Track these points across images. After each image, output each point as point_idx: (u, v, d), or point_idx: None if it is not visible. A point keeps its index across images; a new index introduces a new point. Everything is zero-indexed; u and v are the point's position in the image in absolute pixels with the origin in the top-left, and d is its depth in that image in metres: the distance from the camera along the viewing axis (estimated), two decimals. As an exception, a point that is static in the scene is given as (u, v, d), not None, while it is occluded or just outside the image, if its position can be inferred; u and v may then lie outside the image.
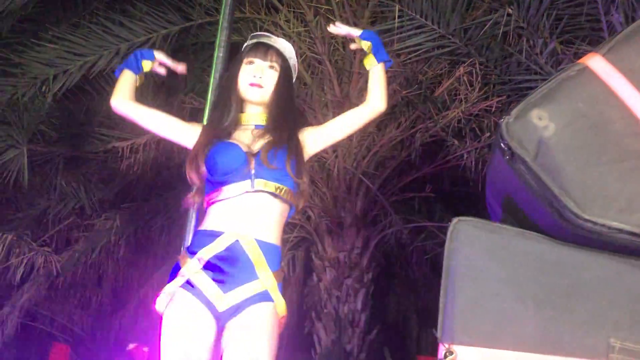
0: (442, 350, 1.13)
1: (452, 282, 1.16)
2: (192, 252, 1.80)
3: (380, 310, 6.47)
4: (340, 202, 5.09)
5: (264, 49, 1.96)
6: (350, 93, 4.95)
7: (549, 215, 1.07)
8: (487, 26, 4.21)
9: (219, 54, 2.27)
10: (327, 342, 5.01)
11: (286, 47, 2.00)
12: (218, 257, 1.77)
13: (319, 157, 5.01)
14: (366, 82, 5.09)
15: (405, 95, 4.84)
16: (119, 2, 5.24)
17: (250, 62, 1.94)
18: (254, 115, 1.94)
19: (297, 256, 6.21)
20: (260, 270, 1.78)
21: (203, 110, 2.27)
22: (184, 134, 1.93)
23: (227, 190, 1.81)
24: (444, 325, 1.14)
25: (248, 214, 1.81)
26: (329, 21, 4.81)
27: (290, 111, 1.97)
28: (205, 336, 1.72)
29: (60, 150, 5.70)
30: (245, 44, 2.02)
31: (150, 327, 6.69)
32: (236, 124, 1.93)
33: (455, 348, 1.12)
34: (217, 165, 1.82)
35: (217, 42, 2.27)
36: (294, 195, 1.85)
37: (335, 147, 5.00)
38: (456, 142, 4.85)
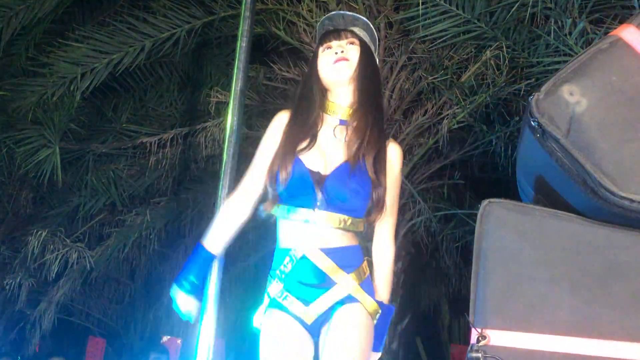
0: (474, 334, 1.11)
1: (483, 265, 1.13)
2: (272, 271, 1.82)
3: (411, 300, 6.43)
4: (368, 192, 5.05)
5: (336, 32, 1.87)
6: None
7: (583, 194, 1.03)
8: (514, 9, 4.12)
9: (241, 44, 2.26)
10: (358, 332, 5.00)
11: (361, 25, 1.88)
12: (292, 273, 1.77)
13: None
14: (390, 70, 4.99)
15: (431, 81, 4.77)
16: (142, -2, 5.30)
17: (329, 47, 1.85)
18: (340, 105, 1.83)
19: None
20: (335, 277, 1.75)
21: (227, 103, 2.26)
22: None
23: (293, 212, 1.77)
24: (476, 309, 1.12)
25: (314, 232, 1.76)
26: (352, 10, 4.79)
27: (375, 93, 1.86)
28: (302, 348, 1.73)
29: (90, 147, 5.79)
30: (318, 33, 1.93)
31: (182, 319, 6.80)
32: (321, 119, 1.83)
33: (488, 332, 1.09)
34: (285, 188, 1.76)
35: (240, 32, 2.26)
36: (360, 222, 1.78)
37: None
38: (484, 127, 4.77)
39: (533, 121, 1.02)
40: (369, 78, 1.83)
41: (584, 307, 1.06)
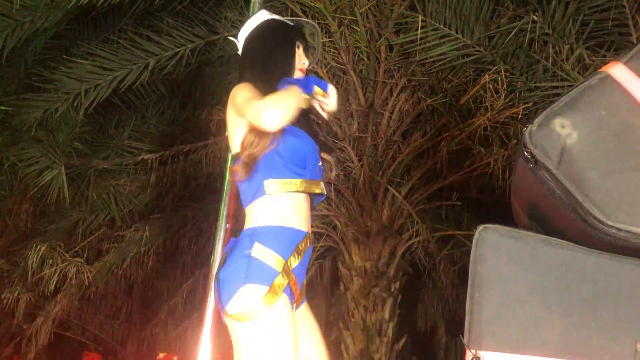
0: (469, 356, 1.15)
1: (478, 288, 1.17)
2: (283, 252, 1.70)
3: (408, 320, 6.45)
4: (367, 211, 5.10)
5: (304, 37, 2.04)
6: (375, 102, 4.98)
7: (574, 222, 1.08)
8: (512, 34, 4.20)
9: (246, 66, 2.31)
10: (354, 352, 5.01)
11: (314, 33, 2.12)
12: (303, 257, 1.78)
13: (344, 167, 5.04)
14: (390, 91, 5.05)
15: (430, 103, 4.84)
16: (147, 17, 5.38)
17: (298, 47, 2.00)
18: None
19: (324, 265, 6.24)
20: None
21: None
22: None
23: (307, 185, 1.79)
24: (471, 331, 1.15)
25: (310, 211, 1.85)
26: (353, 32, 4.87)
27: None
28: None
29: (92, 163, 5.83)
30: (276, 17, 2.05)
31: (179, 336, 6.79)
32: None
33: (482, 354, 1.13)
34: (306, 157, 1.81)
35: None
36: None
37: (360, 157, 5.03)
38: (482, 149, 4.83)
39: (526, 152, 1.07)
40: None
41: (575, 331, 1.10)
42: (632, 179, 1.03)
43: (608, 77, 1.07)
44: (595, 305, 1.10)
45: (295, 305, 1.76)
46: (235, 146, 1.82)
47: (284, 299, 1.64)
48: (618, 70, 1.07)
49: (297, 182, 1.76)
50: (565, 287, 1.12)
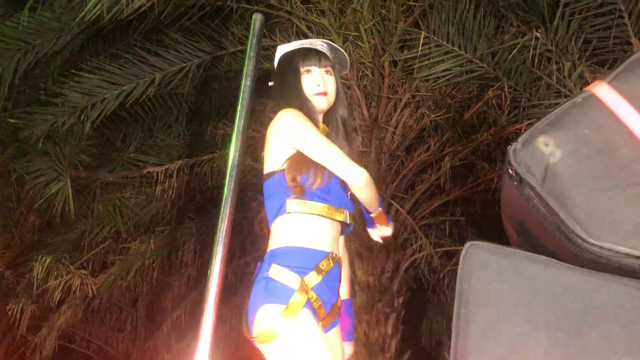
0: (455, 373, 1.15)
1: (465, 306, 1.17)
2: (300, 270, 1.72)
3: (412, 336, 6.40)
4: (370, 226, 5.09)
5: (317, 55, 2.00)
6: (379, 117, 5.00)
7: (559, 239, 1.08)
8: (515, 50, 4.22)
9: (246, 82, 2.32)
10: (357, 367, 4.98)
11: (330, 47, 2.07)
12: (326, 276, 1.77)
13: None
14: (394, 106, 5.08)
15: (434, 119, 4.86)
16: (154, 32, 5.44)
17: (308, 71, 1.98)
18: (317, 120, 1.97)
19: (328, 280, 6.20)
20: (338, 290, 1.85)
21: (230, 139, 2.32)
22: None
23: (329, 211, 1.81)
24: (457, 348, 1.15)
25: (337, 234, 1.88)
26: (358, 48, 4.90)
27: (343, 108, 2.07)
28: None
29: (98, 175, 5.88)
30: (288, 49, 2.06)
31: (183, 349, 6.77)
32: None
33: (468, 371, 1.13)
34: (331, 184, 1.83)
35: (245, 71, 2.32)
36: None
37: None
38: (486, 165, 4.83)
39: (511, 170, 1.08)
40: (342, 104, 2.05)
41: (560, 349, 1.10)
42: (615, 197, 1.04)
43: (592, 96, 1.08)
44: (581, 323, 1.10)
45: (322, 324, 1.75)
46: (269, 166, 1.87)
47: (305, 313, 1.65)
48: (602, 90, 1.08)
49: (318, 206, 1.79)
50: (552, 305, 1.12)
